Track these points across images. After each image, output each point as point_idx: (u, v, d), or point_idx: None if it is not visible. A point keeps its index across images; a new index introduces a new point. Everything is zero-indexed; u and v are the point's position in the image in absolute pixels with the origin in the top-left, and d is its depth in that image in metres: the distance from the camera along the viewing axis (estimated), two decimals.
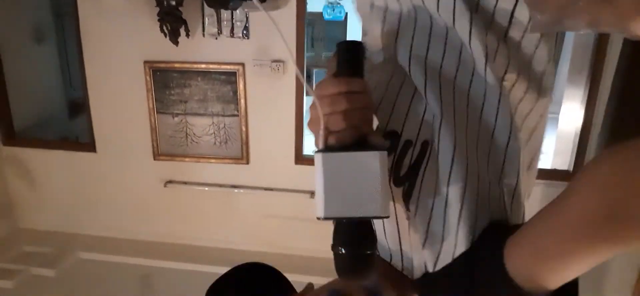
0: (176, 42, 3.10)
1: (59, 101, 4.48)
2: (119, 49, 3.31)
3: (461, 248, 0.67)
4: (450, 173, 0.67)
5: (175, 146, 3.49)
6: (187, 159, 3.51)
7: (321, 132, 0.62)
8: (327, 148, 0.63)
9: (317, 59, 8.08)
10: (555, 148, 3.48)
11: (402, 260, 0.79)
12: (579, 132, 3.03)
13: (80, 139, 3.83)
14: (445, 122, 0.68)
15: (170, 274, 3.43)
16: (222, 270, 3.56)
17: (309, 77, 7.85)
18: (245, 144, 3.39)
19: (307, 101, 4.00)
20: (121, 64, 3.34)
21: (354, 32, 7.63)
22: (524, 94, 0.74)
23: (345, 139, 0.62)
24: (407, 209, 0.72)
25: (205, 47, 3.18)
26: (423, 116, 0.71)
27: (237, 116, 3.33)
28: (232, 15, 3.04)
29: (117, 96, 3.44)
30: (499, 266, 0.58)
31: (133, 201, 3.75)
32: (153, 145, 3.50)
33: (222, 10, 3.02)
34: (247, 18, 3.06)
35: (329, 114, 0.61)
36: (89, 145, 3.60)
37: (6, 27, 3.79)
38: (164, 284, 3.37)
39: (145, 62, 3.28)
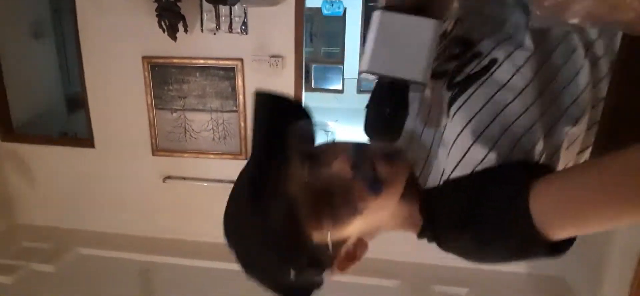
0: (174, 38, 3.09)
1: (57, 97, 4.47)
2: (117, 44, 3.30)
3: (488, 163, 0.66)
4: (510, 101, 0.67)
5: (174, 142, 3.49)
6: (186, 154, 3.51)
7: None
8: (387, 7, 0.64)
9: (316, 55, 8.06)
10: None
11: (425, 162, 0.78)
12: None
13: (79, 135, 3.83)
14: (523, 52, 0.69)
15: (169, 269, 3.43)
16: (222, 265, 3.59)
17: (307, 73, 7.84)
18: (244, 139, 3.39)
19: (306, 97, 4.00)
20: (119, 60, 3.34)
21: (352, 28, 7.62)
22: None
23: (407, 2, 0.63)
24: (447, 114, 0.73)
25: (203, 42, 3.17)
26: (505, 39, 0.72)
27: (235, 111, 3.33)
28: (231, 11, 3.04)
29: (116, 91, 3.44)
30: (523, 200, 0.58)
31: (132, 197, 3.75)
32: (152, 141, 3.50)
33: (221, 6, 3.01)
34: (245, 13, 3.05)
35: None
36: (88, 141, 3.59)
37: (4, 23, 3.78)
38: (163, 279, 3.37)
39: (144, 57, 3.28)
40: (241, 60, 3.17)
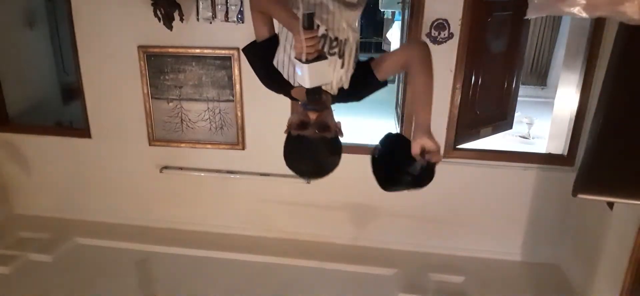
0: (170, 27, 3.07)
1: (52, 86, 4.43)
2: (112, 33, 3.27)
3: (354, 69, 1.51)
4: (354, 43, 1.50)
5: (170, 132, 3.48)
6: (182, 144, 3.50)
7: (304, 56, 1.20)
8: (307, 61, 1.21)
9: None
10: (550, 132, 3.50)
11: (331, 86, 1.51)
12: (574, 117, 3.05)
13: (75, 125, 3.81)
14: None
15: (166, 259, 3.44)
16: (219, 254, 3.61)
17: None
18: (240, 129, 3.38)
19: None
20: (115, 49, 3.31)
21: None
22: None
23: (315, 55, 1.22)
24: (341, 58, 1.46)
25: (199, 31, 3.15)
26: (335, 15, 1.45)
27: (232, 101, 3.32)
28: (227, 0, 3.01)
29: (111, 81, 3.41)
30: (370, 70, 1.49)
31: (129, 187, 3.75)
32: (148, 131, 3.49)
33: None
34: (241, 2, 3.03)
35: (310, 47, 1.20)
36: (84, 131, 3.58)
37: None
38: (160, 269, 3.39)
39: (139, 47, 3.25)
40: (237, 49, 3.15)
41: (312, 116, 1.34)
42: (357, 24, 1.53)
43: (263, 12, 1.48)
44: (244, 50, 1.59)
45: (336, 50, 1.44)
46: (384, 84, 1.54)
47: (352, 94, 1.53)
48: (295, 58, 1.26)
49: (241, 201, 3.64)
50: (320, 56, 1.23)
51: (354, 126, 5.76)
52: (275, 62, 1.52)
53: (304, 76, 1.24)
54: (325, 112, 1.34)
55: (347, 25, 1.46)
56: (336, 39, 1.44)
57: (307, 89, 1.28)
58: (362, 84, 1.52)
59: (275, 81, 1.54)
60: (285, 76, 1.50)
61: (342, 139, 1.43)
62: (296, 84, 1.44)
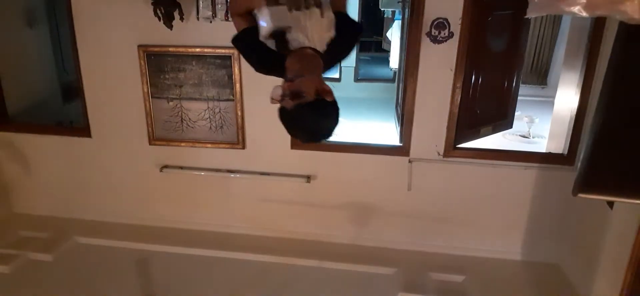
0: (170, 26, 3.07)
1: (53, 86, 4.43)
2: (112, 33, 3.27)
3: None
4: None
5: (170, 131, 3.48)
6: (182, 144, 3.50)
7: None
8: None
9: None
10: (550, 131, 3.49)
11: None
12: (574, 116, 3.04)
13: (75, 124, 3.81)
14: None
15: (166, 258, 3.45)
16: (219, 253, 3.63)
17: None
18: (241, 129, 3.38)
19: None
20: (115, 48, 3.31)
21: (351, 15, 7.55)
22: None
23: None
24: (319, 7, 1.47)
25: (199, 30, 3.15)
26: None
27: (232, 100, 3.32)
28: None
29: (111, 80, 3.41)
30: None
31: (129, 186, 3.75)
32: (148, 130, 3.49)
33: None
34: None
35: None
36: (84, 130, 3.58)
37: None
38: (160, 268, 3.38)
39: (139, 46, 3.25)
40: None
41: (285, 85, 1.37)
42: None
43: (241, 14, 1.57)
44: (233, 40, 1.63)
45: (311, 1, 1.45)
46: (354, 21, 1.62)
47: (338, 46, 1.53)
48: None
49: (241, 200, 3.64)
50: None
51: (354, 126, 5.77)
52: (262, 39, 1.53)
53: (265, 19, 1.35)
54: (299, 81, 1.35)
55: None
56: None
57: (273, 33, 1.37)
58: (341, 29, 1.52)
59: (269, 59, 1.53)
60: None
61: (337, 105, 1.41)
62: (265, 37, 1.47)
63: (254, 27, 1.52)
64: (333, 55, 1.53)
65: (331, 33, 1.49)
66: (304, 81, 1.34)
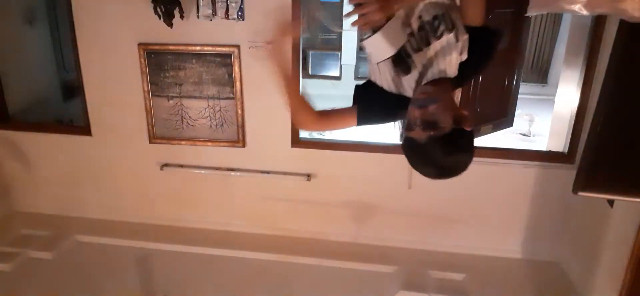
0: (170, 24, 3.07)
1: (53, 84, 4.43)
2: (112, 31, 3.27)
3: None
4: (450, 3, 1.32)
5: (170, 129, 3.48)
6: (183, 142, 3.50)
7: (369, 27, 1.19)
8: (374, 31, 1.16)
9: (313, 41, 8.00)
10: (550, 129, 3.49)
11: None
12: (574, 114, 3.04)
13: (75, 122, 3.81)
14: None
15: (167, 256, 3.45)
16: (219, 251, 3.62)
17: (304, 60, 7.79)
18: (241, 127, 3.38)
19: (304, 84, 3.98)
20: (115, 47, 3.31)
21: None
22: None
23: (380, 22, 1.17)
24: (451, 30, 1.26)
25: (199, 29, 3.15)
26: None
27: (232, 98, 3.32)
28: None
29: (112, 78, 3.41)
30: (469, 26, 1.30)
31: (129, 185, 3.75)
32: (148, 128, 3.49)
33: None
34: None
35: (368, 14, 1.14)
36: (84, 128, 3.58)
37: None
38: (160, 266, 3.39)
39: (140, 44, 3.25)
40: (238, 46, 3.15)
41: (417, 113, 1.14)
42: None
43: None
44: (359, 117, 1.42)
45: (443, 27, 1.23)
46: (493, 31, 1.33)
47: (474, 63, 1.32)
48: (363, 41, 1.16)
49: (241, 198, 3.65)
50: (388, 19, 1.11)
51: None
52: (375, 80, 1.37)
53: (378, 50, 1.12)
54: (433, 107, 1.13)
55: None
56: (434, 17, 1.25)
57: (393, 60, 1.15)
58: (476, 44, 1.29)
59: (392, 103, 1.33)
60: (387, 87, 1.34)
61: (471, 132, 1.21)
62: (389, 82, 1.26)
63: (362, 87, 1.41)
64: (467, 74, 1.35)
65: (463, 57, 1.30)
66: (439, 108, 1.13)
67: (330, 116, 1.42)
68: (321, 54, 8.25)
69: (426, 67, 1.26)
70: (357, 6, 1.09)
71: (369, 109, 1.40)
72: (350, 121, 1.42)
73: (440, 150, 1.15)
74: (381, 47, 1.11)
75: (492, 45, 1.36)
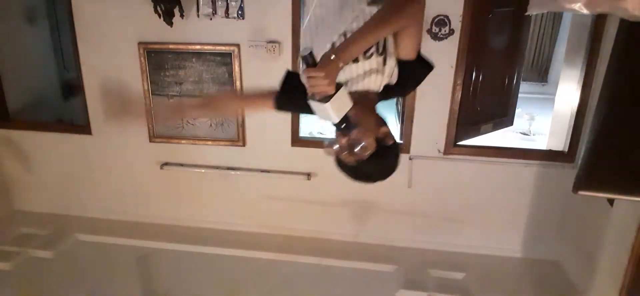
0: (170, 23, 3.07)
1: (53, 83, 4.43)
2: (112, 30, 3.27)
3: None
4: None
5: (171, 128, 3.48)
6: (183, 141, 3.50)
7: (318, 95, 1.15)
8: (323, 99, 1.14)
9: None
10: (551, 128, 3.49)
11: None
12: (574, 113, 3.04)
13: (75, 121, 3.81)
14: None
15: (167, 255, 3.45)
16: (219, 250, 3.61)
17: None
18: (241, 126, 3.38)
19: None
20: (115, 46, 3.31)
21: None
22: None
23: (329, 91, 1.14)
24: (380, 54, 1.29)
25: (199, 28, 3.15)
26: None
27: None
28: None
29: (112, 77, 3.41)
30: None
31: (130, 183, 3.75)
32: (149, 127, 3.49)
33: None
34: None
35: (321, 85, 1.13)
36: (84, 127, 3.58)
37: None
38: (161, 265, 3.39)
39: (140, 43, 3.25)
40: (238, 45, 3.14)
41: (342, 140, 1.24)
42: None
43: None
44: (276, 101, 1.55)
45: (373, 48, 1.28)
46: (427, 64, 1.35)
47: (401, 88, 1.39)
48: (310, 100, 1.17)
49: (241, 197, 3.65)
50: (337, 87, 1.14)
51: None
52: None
53: (327, 114, 1.16)
54: (355, 133, 1.22)
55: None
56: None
57: (336, 123, 1.20)
58: (407, 71, 1.34)
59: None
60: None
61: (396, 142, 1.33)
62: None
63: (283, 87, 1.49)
64: (392, 93, 1.41)
65: (392, 80, 1.35)
66: (361, 132, 1.23)
67: (248, 96, 1.49)
68: None
69: (350, 81, 1.33)
70: (310, 79, 1.11)
71: (290, 97, 1.49)
72: (267, 102, 1.55)
73: (369, 167, 1.27)
74: (326, 114, 1.17)
75: (423, 76, 1.39)
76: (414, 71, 1.35)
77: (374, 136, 1.25)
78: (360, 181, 1.37)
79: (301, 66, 1.18)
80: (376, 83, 1.34)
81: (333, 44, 1.31)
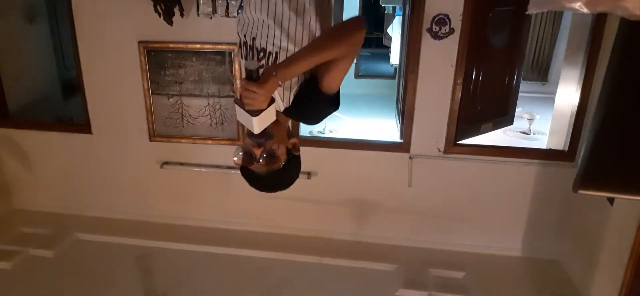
0: (170, 22, 3.06)
1: (53, 82, 4.43)
2: (112, 29, 3.27)
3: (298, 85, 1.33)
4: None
5: (171, 127, 3.48)
6: (183, 140, 3.50)
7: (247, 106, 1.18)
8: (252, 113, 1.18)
9: None
10: (551, 127, 3.49)
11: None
12: (575, 113, 3.04)
13: (75, 120, 3.81)
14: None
15: (167, 254, 3.45)
16: (219, 249, 3.62)
17: None
18: (241, 125, 3.38)
19: None
20: (115, 45, 3.31)
21: (350, 11, 7.56)
22: None
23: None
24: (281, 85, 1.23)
25: (199, 27, 3.14)
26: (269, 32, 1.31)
27: (233, 96, 3.32)
28: None
29: (112, 76, 3.41)
30: (315, 82, 1.29)
31: (129, 183, 3.75)
32: (149, 126, 3.49)
33: None
34: None
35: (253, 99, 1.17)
36: (84, 126, 3.58)
37: None
38: (161, 264, 3.39)
39: (140, 42, 3.25)
40: (238, 44, 3.14)
41: (256, 150, 1.29)
42: (302, 35, 1.30)
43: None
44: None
45: (263, 62, 1.31)
46: (328, 99, 1.32)
47: (297, 113, 1.38)
48: (238, 104, 1.20)
49: (241, 196, 3.64)
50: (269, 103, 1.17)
51: (354, 122, 5.76)
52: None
53: (250, 124, 1.20)
54: (270, 143, 1.28)
55: (285, 36, 1.29)
56: (263, 49, 1.32)
57: (252, 133, 1.24)
58: (305, 99, 1.32)
59: None
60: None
61: (300, 154, 1.42)
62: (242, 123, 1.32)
63: None
64: (291, 113, 1.39)
65: (282, 104, 1.34)
66: (275, 143, 1.30)
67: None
68: None
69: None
70: (245, 90, 1.14)
71: None
72: None
73: (278, 177, 1.34)
74: (250, 125, 1.20)
75: (327, 112, 1.41)
76: (319, 103, 1.33)
77: (286, 148, 1.33)
78: (265, 190, 1.40)
79: (242, 73, 1.21)
80: (278, 100, 1.32)
81: (276, 57, 1.30)
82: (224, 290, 3.09)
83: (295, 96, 1.33)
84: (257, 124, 1.19)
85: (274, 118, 1.22)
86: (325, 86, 1.29)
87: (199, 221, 3.74)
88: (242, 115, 1.21)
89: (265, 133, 1.25)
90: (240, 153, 1.30)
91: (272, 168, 1.30)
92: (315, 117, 1.47)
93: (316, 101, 1.31)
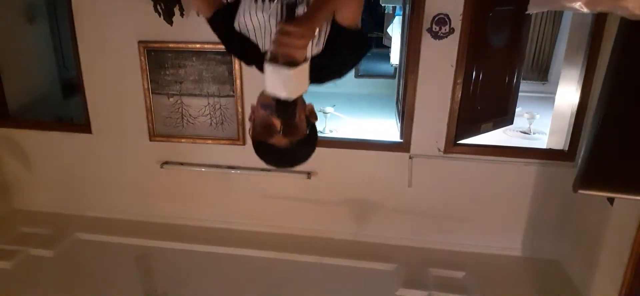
0: (170, 22, 3.06)
1: (53, 82, 4.43)
2: (112, 28, 3.27)
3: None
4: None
5: (171, 127, 3.48)
6: (183, 140, 3.50)
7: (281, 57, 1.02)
8: (288, 64, 1.01)
9: None
10: (551, 127, 3.49)
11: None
12: (575, 113, 3.04)
13: (75, 120, 3.81)
14: None
15: (167, 254, 3.45)
16: (219, 249, 3.63)
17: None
18: (241, 125, 3.38)
19: None
20: (115, 44, 3.31)
21: None
22: None
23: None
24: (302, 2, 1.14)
25: (200, 26, 3.14)
26: None
27: (232, 96, 3.31)
28: None
29: (112, 76, 3.41)
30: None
31: (129, 182, 3.75)
32: (149, 126, 3.49)
33: None
34: None
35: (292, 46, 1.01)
36: (84, 126, 3.58)
37: None
38: (161, 264, 3.39)
39: (140, 42, 3.25)
40: None
41: (277, 122, 1.13)
42: None
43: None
44: (208, 21, 1.42)
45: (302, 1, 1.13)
46: (354, 35, 1.16)
47: (327, 62, 1.20)
48: (269, 61, 0.98)
49: (241, 196, 3.65)
50: (305, 59, 0.96)
51: (355, 122, 5.76)
52: (236, 26, 1.27)
53: (280, 86, 0.98)
54: (297, 113, 1.14)
55: None
56: None
57: (280, 101, 1.04)
58: (331, 42, 1.17)
59: (242, 51, 1.33)
60: (252, 39, 1.27)
61: (319, 126, 1.26)
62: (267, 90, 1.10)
63: (227, 7, 1.29)
64: (320, 72, 1.20)
65: (318, 48, 1.20)
66: (298, 113, 1.16)
67: None
68: None
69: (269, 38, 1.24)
70: (284, 34, 0.96)
71: (229, 24, 1.33)
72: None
73: (304, 149, 1.20)
74: (281, 85, 1.00)
75: (357, 53, 1.25)
76: (345, 43, 1.17)
77: (304, 117, 1.18)
78: (286, 165, 1.27)
79: (271, 14, 1.04)
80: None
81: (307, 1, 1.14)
82: (224, 290, 3.09)
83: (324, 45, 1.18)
84: (292, 83, 0.97)
85: (306, 84, 1.04)
86: (342, 16, 1.12)
87: (199, 221, 3.74)
88: (273, 76, 0.99)
89: (294, 104, 1.09)
90: (260, 121, 1.15)
91: (296, 139, 1.14)
92: (347, 62, 1.27)
93: (343, 39, 1.15)
